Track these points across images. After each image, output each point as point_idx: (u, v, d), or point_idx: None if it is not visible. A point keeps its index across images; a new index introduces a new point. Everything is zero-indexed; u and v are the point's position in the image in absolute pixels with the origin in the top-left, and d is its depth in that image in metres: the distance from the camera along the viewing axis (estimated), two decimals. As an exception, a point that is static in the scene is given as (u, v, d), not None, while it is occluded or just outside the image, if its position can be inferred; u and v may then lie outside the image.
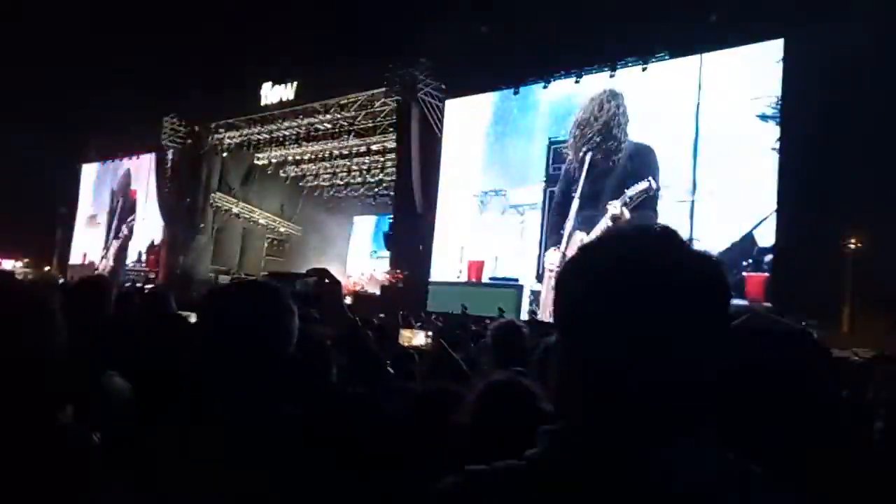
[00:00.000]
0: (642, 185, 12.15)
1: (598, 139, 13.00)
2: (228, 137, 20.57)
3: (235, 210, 21.79)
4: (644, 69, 12.65)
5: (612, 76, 13.10)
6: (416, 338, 4.11)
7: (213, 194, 21.25)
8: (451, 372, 2.58)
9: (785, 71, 10.77)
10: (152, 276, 19.30)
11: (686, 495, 0.69)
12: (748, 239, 10.92)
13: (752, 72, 11.27)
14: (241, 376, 1.30)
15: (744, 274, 10.83)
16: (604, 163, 12.85)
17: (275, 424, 1.28)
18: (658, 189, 12.02)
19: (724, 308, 0.76)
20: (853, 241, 9.67)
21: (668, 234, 0.78)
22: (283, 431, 1.28)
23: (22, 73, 21.17)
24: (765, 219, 10.80)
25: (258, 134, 20.01)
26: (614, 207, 12.33)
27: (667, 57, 12.33)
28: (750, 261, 10.84)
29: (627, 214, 12.20)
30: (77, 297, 2.59)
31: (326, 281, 1.98)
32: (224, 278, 17.98)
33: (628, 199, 12.25)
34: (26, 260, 25.58)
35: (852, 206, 9.15)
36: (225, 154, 21.35)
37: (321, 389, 1.80)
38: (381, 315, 8.37)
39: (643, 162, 12.33)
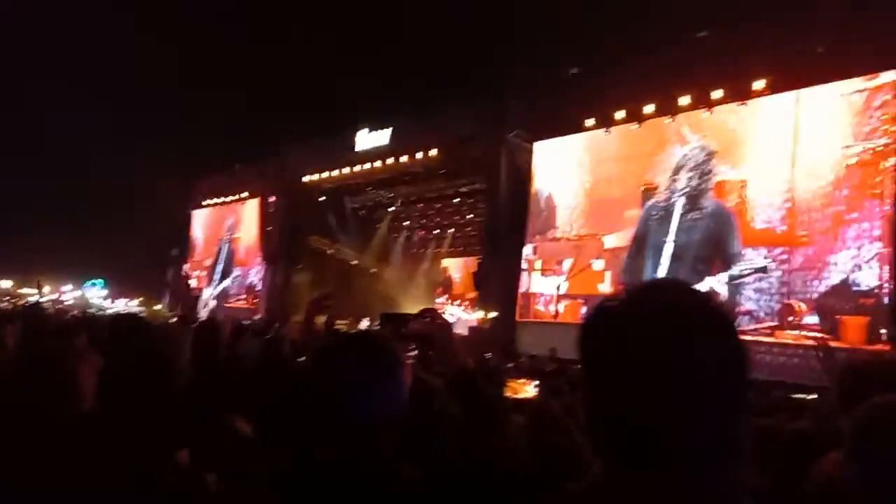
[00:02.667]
0: (758, 263, 11.30)
1: (688, 189, 12.59)
2: (325, 182, 21.45)
3: (330, 251, 22.56)
4: (741, 104, 12.17)
5: (709, 114, 12.69)
6: (525, 389, 3.93)
7: (310, 237, 22.16)
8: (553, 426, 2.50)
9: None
10: (256, 316, 20.18)
11: None
12: (846, 282, 10.30)
13: (854, 108, 10.67)
14: (355, 436, 1.29)
15: (838, 317, 10.21)
16: (691, 215, 12.42)
17: (394, 485, 1.27)
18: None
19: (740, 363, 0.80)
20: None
21: (700, 292, 0.85)
22: (402, 492, 1.26)
23: (137, 122, 23.12)
24: (866, 262, 10.16)
25: (352, 178, 20.76)
26: (720, 283, 11.60)
27: (767, 92, 11.82)
28: (847, 305, 10.20)
29: (724, 293, 11.41)
30: (195, 340, 2.74)
31: (437, 322, 1.98)
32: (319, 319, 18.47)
33: (736, 274, 11.54)
34: (140, 299, 27.43)
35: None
36: (321, 198, 22.26)
37: (440, 447, 1.78)
38: (488, 354, 8.25)
39: (725, 226, 11.87)
